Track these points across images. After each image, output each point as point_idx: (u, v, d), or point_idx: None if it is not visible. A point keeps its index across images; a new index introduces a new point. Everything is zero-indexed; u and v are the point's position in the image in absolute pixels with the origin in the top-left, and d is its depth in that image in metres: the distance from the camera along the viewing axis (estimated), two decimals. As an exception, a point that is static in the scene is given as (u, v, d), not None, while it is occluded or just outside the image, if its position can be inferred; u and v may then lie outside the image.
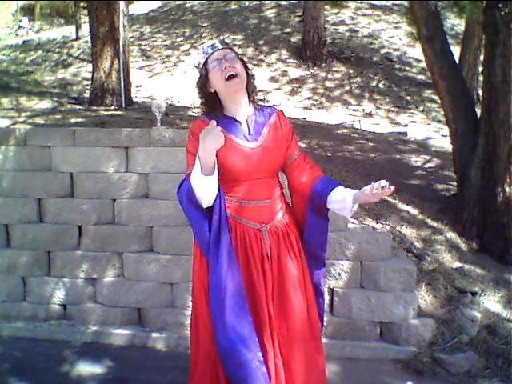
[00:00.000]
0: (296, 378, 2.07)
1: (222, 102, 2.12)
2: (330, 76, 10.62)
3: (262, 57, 11.00)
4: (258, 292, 2.04)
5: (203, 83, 2.12)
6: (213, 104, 2.13)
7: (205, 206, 1.98)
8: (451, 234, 4.23)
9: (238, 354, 1.94)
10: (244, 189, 2.07)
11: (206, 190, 1.94)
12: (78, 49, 11.76)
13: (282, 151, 2.13)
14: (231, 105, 2.10)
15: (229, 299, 1.96)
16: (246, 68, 2.10)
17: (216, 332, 1.98)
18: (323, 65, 10.88)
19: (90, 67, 8.17)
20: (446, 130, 6.15)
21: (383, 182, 1.91)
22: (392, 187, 1.92)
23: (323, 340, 2.28)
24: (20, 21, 16.53)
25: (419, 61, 10.73)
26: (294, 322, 2.08)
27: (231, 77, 2.01)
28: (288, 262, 2.11)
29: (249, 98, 2.13)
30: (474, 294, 3.65)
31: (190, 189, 1.95)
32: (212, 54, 2.07)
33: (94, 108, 6.12)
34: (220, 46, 2.08)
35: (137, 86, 9.18)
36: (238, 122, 2.10)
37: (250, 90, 2.12)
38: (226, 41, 2.16)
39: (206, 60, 2.09)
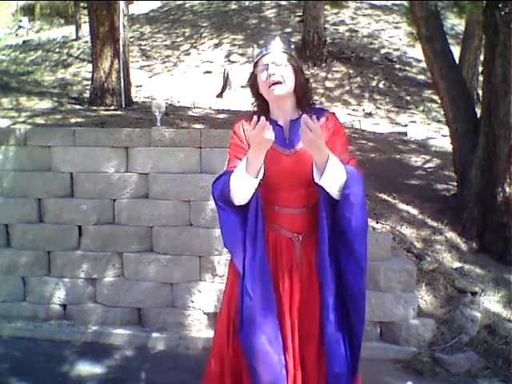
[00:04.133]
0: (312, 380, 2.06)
1: (269, 105, 2.10)
2: (329, 76, 10.62)
3: (262, 57, 10.99)
4: (282, 301, 2.02)
5: (253, 83, 2.09)
6: (261, 105, 2.11)
7: (236, 203, 1.95)
8: (451, 234, 4.23)
9: (266, 356, 1.94)
10: (278, 195, 2.03)
11: (243, 189, 1.91)
12: (78, 49, 11.76)
13: None
14: (275, 109, 2.08)
15: (261, 301, 1.96)
16: (297, 72, 2.03)
17: (248, 333, 1.96)
18: (323, 65, 10.88)
19: (90, 67, 8.17)
20: (446, 130, 6.15)
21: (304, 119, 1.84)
22: (312, 119, 1.82)
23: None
24: (20, 21, 16.53)
25: (419, 61, 10.72)
26: (316, 333, 2.04)
27: (275, 83, 1.98)
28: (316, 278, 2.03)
29: (298, 102, 2.08)
30: (474, 293, 3.65)
31: (226, 183, 1.92)
32: (263, 56, 2.02)
33: (94, 108, 6.12)
34: (272, 50, 2.01)
35: (137, 86, 9.18)
36: (280, 126, 2.06)
37: (300, 94, 2.06)
38: (280, 41, 2.03)
39: (257, 61, 2.05)
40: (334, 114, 2.13)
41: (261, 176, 1.90)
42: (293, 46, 2.13)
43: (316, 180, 1.90)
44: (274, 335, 1.97)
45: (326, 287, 1.98)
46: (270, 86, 1.97)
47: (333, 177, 1.88)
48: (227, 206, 1.97)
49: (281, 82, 1.97)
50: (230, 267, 2.14)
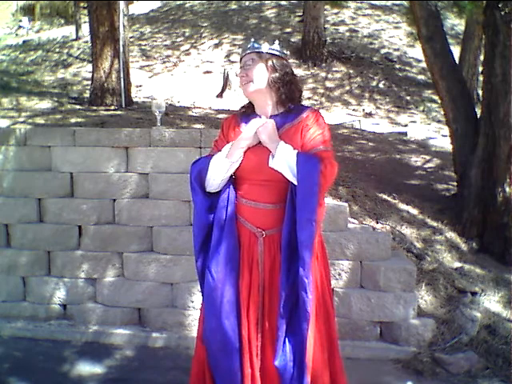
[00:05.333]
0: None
1: None
2: (330, 76, 10.62)
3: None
4: (241, 297, 2.05)
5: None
6: (249, 102, 2.23)
7: (208, 189, 2.11)
8: (451, 234, 4.23)
9: (223, 355, 2.01)
10: (247, 188, 2.09)
11: (219, 172, 2.06)
12: (78, 49, 11.75)
13: None
14: (256, 105, 2.18)
15: (224, 285, 2.02)
16: (271, 69, 2.08)
17: (208, 315, 2.03)
18: (323, 65, 10.88)
19: (89, 67, 8.17)
20: (446, 130, 6.15)
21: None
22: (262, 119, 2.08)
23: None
24: (20, 21, 16.50)
25: (419, 61, 10.72)
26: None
27: (245, 83, 2.11)
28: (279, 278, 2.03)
29: (278, 98, 2.12)
30: (474, 293, 3.65)
31: (206, 165, 2.09)
32: (241, 59, 2.17)
33: (94, 108, 6.12)
34: (246, 52, 2.13)
35: (137, 86, 9.17)
36: None
37: (278, 92, 2.10)
38: (259, 41, 2.14)
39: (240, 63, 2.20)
40: (317, 110, 2.16)
41: (237, 162, 2.05)
42: (276, 42, 2.16)
43: (269, 164, 1.99)
44: (234, 324, 2.02)
45: (282, 280, 1.99)
46: (241, 85, 2.13)
47: (283, 160, 1.96)
48: (200, 189, 2.11)
49: (250, 81, 2.08)
50: None
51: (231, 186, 2.11)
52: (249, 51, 2.12)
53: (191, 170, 2.14)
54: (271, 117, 2.12)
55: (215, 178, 2.07)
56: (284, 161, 1.96)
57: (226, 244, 2.04)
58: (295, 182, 1.95)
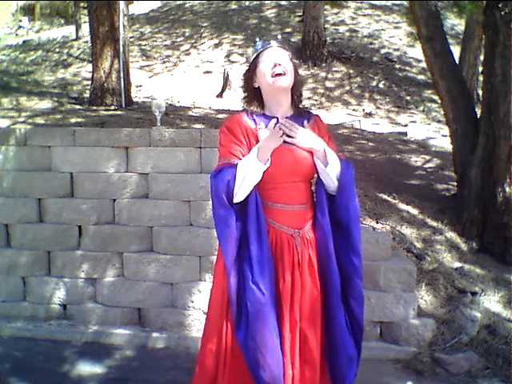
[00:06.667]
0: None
1: (264, 100, 2.11)
2: (330, 76, 10.62)
3: (262, 57, 10.99)
4: (282, 300, 2.03)
5: (249, 77, 2.11)
6: (254, 100, 2.13)
7: (236, 198, 1.98)
8: (451, 234, 4.23)
9: (276, 352, 1.97)
10: (280, 192, 2.06)
11: (250, 177, 1.95)
12: (78, 49, 11.76)
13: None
14: (273, 104, 2.09)
15: (270, 297, 1.98)
16: (296, 71, 2.09)
17: (256, 330, 1.97)
18: (323, 65, 10.88)
19: (89, 67, 8.17)
20: (446, 130, 6.15)
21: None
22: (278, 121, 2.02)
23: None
24: (20, 21, 16.50)
25: (419, 61, 10.73)
26: (321, 326, 2.10)
27: (279, 75, 2.01)
28: (316, 269, 2.10)
29: (292, 101, 2.12)
30: (474, 293, 3.65)
31: (234, 175, 1.95)
32: (266, 49, 2.08)
33: (94, 108, 6.13)
34: (275, 45, 2.09)
35: (137, 86, 9.18)
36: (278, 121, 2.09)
37: (295, 93, 2.11)
38: (280, 42, 2.15)
39: (258, 55, 2.09)
40: (318, 115, 2.23)
41: (268, 164, 1.98)
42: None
43: (322, 168, 2.02)
44: (277, 333, 2.00)
45: (335, 277, 2.05)
46: (273, 76, 2.01)
47: (334, 164, 2.04)
48: (229, 203, 1.99)
49: (284, 74, 2.02)
50: (219, 266, 2.12)
51: (257, 194, 2.01)
52: (277, 44, 2.08)
53: (217, 184, 1.98)
54: (287, 117, 2.08)
55: (247, 184, 1.96)
56: (335, 166, 2.04)
57: (265, 254, 1.99)
58: (333, 187, 2.05)
